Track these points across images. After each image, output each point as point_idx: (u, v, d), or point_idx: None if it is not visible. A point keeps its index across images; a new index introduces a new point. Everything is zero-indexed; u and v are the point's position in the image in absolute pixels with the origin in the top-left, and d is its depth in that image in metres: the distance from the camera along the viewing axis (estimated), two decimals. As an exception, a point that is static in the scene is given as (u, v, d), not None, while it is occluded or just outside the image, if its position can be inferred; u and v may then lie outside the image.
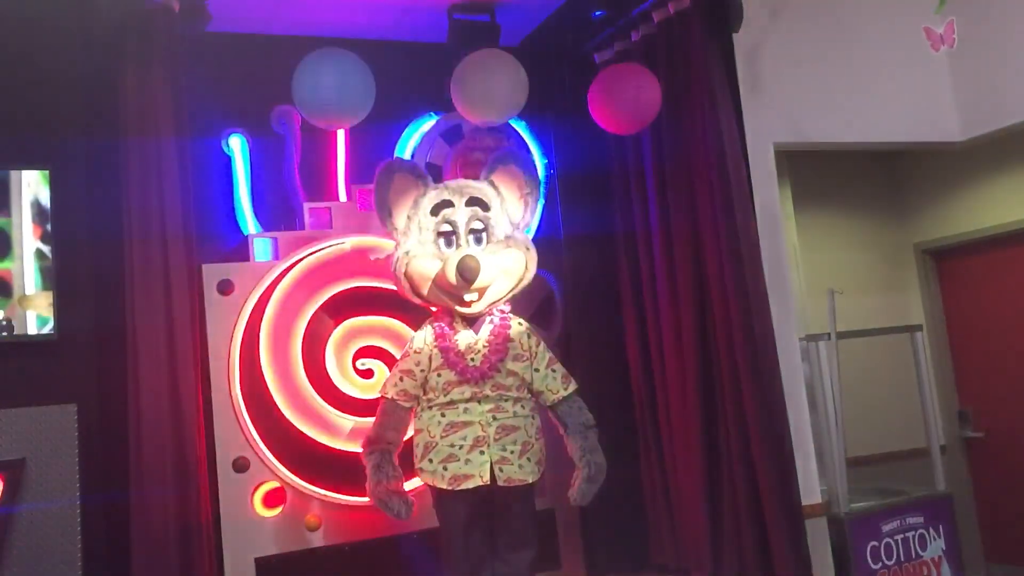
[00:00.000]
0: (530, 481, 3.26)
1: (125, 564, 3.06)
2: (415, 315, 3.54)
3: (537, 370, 3.35)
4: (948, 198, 5.76)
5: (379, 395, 3.40)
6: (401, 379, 3.34)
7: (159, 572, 3.01)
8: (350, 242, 3.82)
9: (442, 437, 3.22)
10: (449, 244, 3.30)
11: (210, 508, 3.30)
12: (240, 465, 3.52)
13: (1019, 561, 5.23)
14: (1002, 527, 5.36)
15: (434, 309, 3.39)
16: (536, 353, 3.37)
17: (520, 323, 3.40)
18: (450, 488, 3.19)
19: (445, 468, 3.20)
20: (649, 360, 3.98)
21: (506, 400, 3.24)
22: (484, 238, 3.32)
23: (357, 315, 3.79)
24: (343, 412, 3.70)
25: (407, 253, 3.30)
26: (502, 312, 3.37)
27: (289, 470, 3.59)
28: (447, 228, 3.31)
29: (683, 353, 3.72)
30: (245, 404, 3.56)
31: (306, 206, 3.88)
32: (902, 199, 5.99)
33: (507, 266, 3.30)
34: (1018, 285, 5.36)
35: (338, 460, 3.65)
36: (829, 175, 5.70)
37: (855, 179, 5.90)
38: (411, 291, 3.31)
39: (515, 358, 3.29)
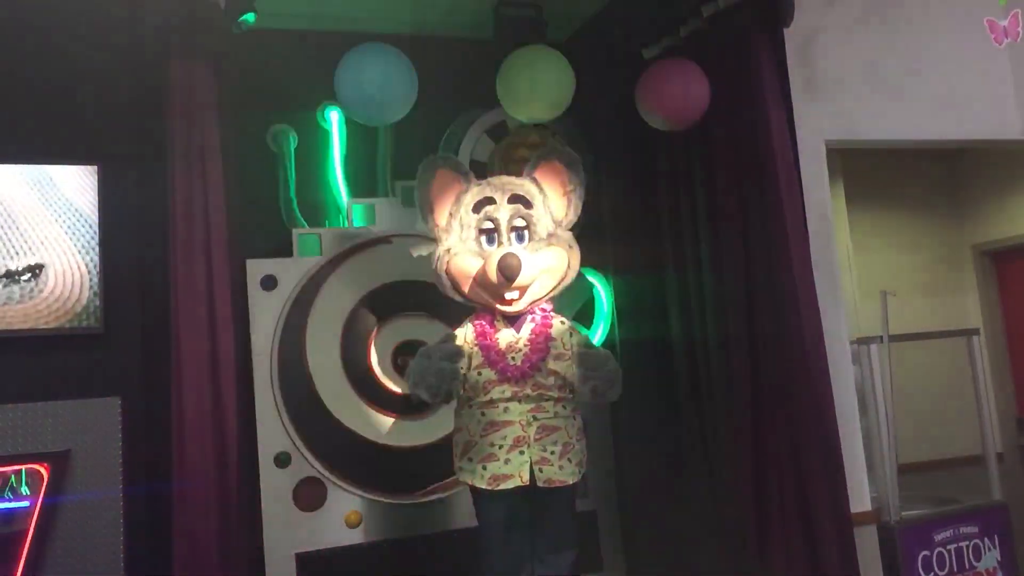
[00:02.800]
0: (570, 482, 3.20)
1: (167, 556, 3.07)
2: (457, 312, 3.51)
3: (574, 366, 3.26)
4: (1008, 198, 5.60)
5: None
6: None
7: (201, 564, 3.02)
8: (393, 238, 3.81)
9: (481, 436, 3.18)
10: (491, 242, 3.25)
11: (250, 503, 3.30)
12: (282, 460, 3.54)
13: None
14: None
15: (477, 306, 3.36)
16: (576, 353, 3.26)
17: (562, 322, 3.33)
18: (489, 488, 3.16)
19: (484, 468, 3.16)
20: (695, 362, 3.91)
21: (547, 400, 3.19)
22: (526, 236, 3.26)
23: (399, 311, 3.79)
24: (384, 409, 3.70)
25: (448, 250, 3.27)
26: (544, 311, 3.31)
27: (330, 466, 3.60)
28: (489, 225, 3.26)
29: (731, 355, 3.63)
30: (286, 400, 3.58)
31: (349, 202, 3.88)
32: (960, 198, 5.84)
33: (549, 264, 3.25)
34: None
35: (380, 457, 3.66)
36: (884, 173, 5.56)
37: (911, 177, 5.76)
38: (452, 289, 3.28)
39: (557, 357, 3.22)
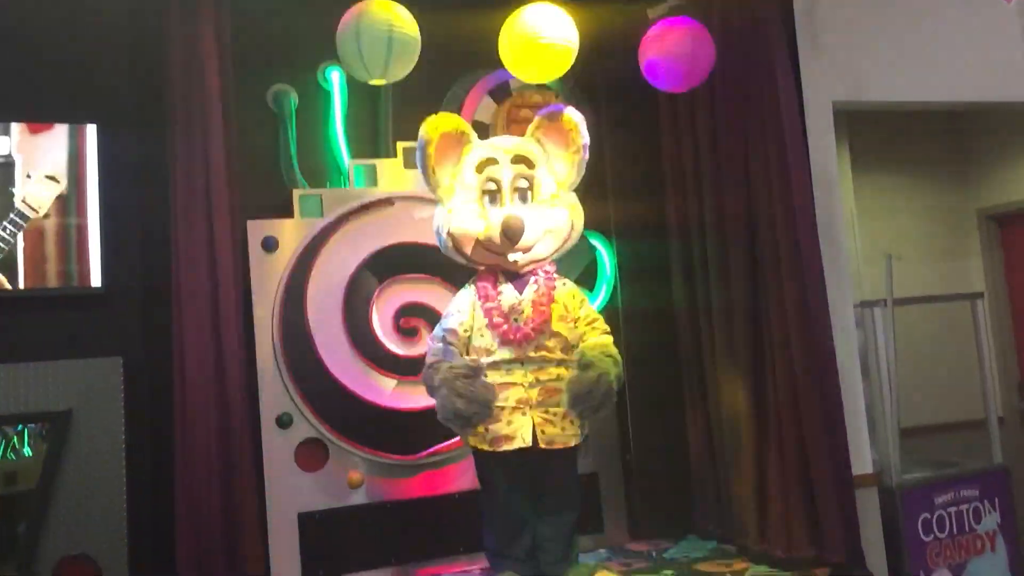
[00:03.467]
0: (572, 444, 3.21)
1: (169, 516, 3.09)
2: (460, 275, 3.49)
3: (577, 328, 3.27)
4: (1014, 162, 5.55)
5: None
6: (444, 337, 3.32)
7: (203, 525, 3.03)
8: (396, 200, 3.79)
9: None
10: (493, 202, 3.23)
11: (253, 465, 3.30)
12: (283, 421, 3.54)
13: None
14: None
15: (480, 268, 3.34)
16: (580, 317, 3.28)
17: (565, 283, 3.33)
18: (491, 449, 3.16)
19: (487, 430, 3.16)
20: (697, 323, 3.90)
21: (549, 362, 3.19)
22: (529, 196, 3.25)
23: (402, 273, 3.77)
24: (386, 371, 3.69)
25: (451, 211, 3.24)
26: (547, 272, 3.30)
27: (332, 427, 3.60)
28: (491, 186, 3.24)
29: (733, 317, 3.63)
30: (288, 361, 3.57)
31: (351, 162, 3.85)
32: (966, 162, 5.79)
33: (552, 225, 3.23)
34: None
35: (381, 418, 3.65)
36: (889, 136, 5.52)
37: (917, 141, 5.71)
38: (454, 250, 3.26)
39: (560, 319, 3.22)
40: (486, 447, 3.17)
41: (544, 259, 3.27)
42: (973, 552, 3.75)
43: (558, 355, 3.20)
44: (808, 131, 3.51)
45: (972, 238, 5.76)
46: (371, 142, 3.97)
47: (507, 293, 3.23)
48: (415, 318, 3.78)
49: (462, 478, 3.71)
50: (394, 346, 3.73)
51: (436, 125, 3.27)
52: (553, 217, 3.23)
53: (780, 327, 3.42)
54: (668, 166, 4.02)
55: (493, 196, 3.23)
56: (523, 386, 3.14)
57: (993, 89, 4.08)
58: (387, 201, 3.80)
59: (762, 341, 3.53)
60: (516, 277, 3.26)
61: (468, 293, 3.29)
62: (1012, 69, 4.13)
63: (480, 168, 3.24)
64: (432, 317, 3.70)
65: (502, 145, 3.31)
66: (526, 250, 3.18)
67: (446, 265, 3.49)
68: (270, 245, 3.59)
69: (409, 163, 3.82)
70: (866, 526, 3.40)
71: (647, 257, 4.11)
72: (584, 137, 3.28)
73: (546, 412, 3.14)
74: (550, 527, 3.22)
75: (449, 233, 3.22)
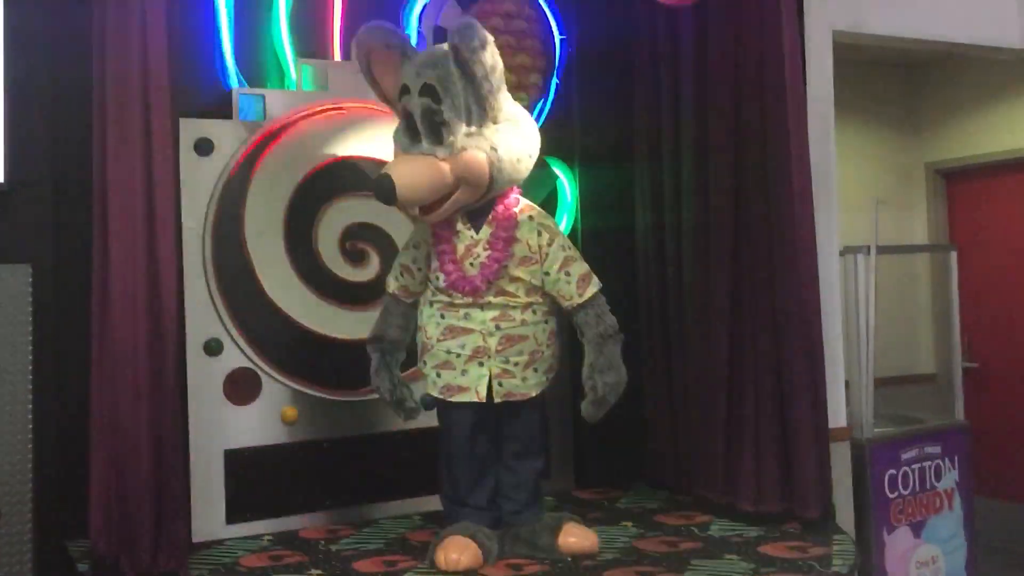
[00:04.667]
0: (533, 395, 2.90)
1: (82, 445, 2.68)
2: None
3: (548, 274, 2.86)
4: (965, 118, 5.53)
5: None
6: (401, 274, 2.98)
7: (120, 458, 2.63)
8: (347, 106, 3.39)
9: (439, 341, 2.84)
10: (413, 139, 2.78)
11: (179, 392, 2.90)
12: (212, 348, 3.15)
13: (1004, 496, 5.14)
14: (988, 461, 5.24)
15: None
16: (547, 254, 2.87)
17: (531, 216, 2.90)
18: (442, 397, 2.86)
19: (439, 375, 2.85)
20: (663, 261, 3.67)
21: (513, 308, 2.83)
22: (444, 133, 2.74)
23: (352, 189, 3.39)
24: (329, 296, 3.33)
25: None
26: (506, 205, 2.86)
27: (267, 357, 3.24)
28: (410, 121, 2.79)
29: (710, 258, 3.39)
30: (220, 280, 3.18)
31: (297, 62, 3.43)
32: (917, 115, 5.75)
33: (450, 176, 2.71)
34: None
35: (324, 350, 3.31)
36: (842, 86, 5.38)
37: (870, 92, 5.62)
38: None
39: (521, 262, 2.84)
40: (436, 394, 2.89)
41: (465, 207, 2.81)
42: (932, 511, 3.68)
43: (522, 299, 2.85)
44: (807, 58, 3.26)
45: (918, 191, 5.73)
46: (322, 41, 3.55)
47: (463, 231, 2.86)
48: (363, 241, 3.42)
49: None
50: (339, 270, 3.37)
51: (360, 41, 2.84)
52: (462, 164, 2.70)
53: (763, 271, 3.20)
54: (642, 90, 3.73)
55: (412, 132, 2.80)
56: (482, 334, 2.82)
57: (985, 33, 3.97)
58: (337, 107, 3.39)
59: (741, 284, 3.30)
60: (472, 212, 2.85)
61: (424, 227, 2.93)
62: (1004, 15, 4.02)
63: (400, 95, 2.82)
64: (382, 240, 3.39)
65: (417, 67, 2.78)
66: (429, 208, 2.76)
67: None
68: (205, 148, 3.17)
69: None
70: (837, 481, 3.25)
71: (612, 186, 3.85)
72: (482, 67, 2.67)
73: (506, 362, 2.83)
74: (513, 474, 2.94)
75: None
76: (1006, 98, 5.20)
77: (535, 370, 2.88)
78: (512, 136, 2.80)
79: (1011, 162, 5.19)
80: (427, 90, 2.72)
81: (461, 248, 2.83)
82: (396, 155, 2.87)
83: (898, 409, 4.12)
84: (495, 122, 2.77)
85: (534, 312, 2.87)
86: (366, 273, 3.39)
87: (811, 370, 3.13)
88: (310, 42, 3.53)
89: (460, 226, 2.85)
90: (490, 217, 2.85)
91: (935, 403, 4.66)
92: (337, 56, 3.54)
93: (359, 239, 3.41)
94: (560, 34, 3.82)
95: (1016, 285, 5.27)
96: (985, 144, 5.34)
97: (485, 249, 2.82)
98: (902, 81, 5.74)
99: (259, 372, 3.24)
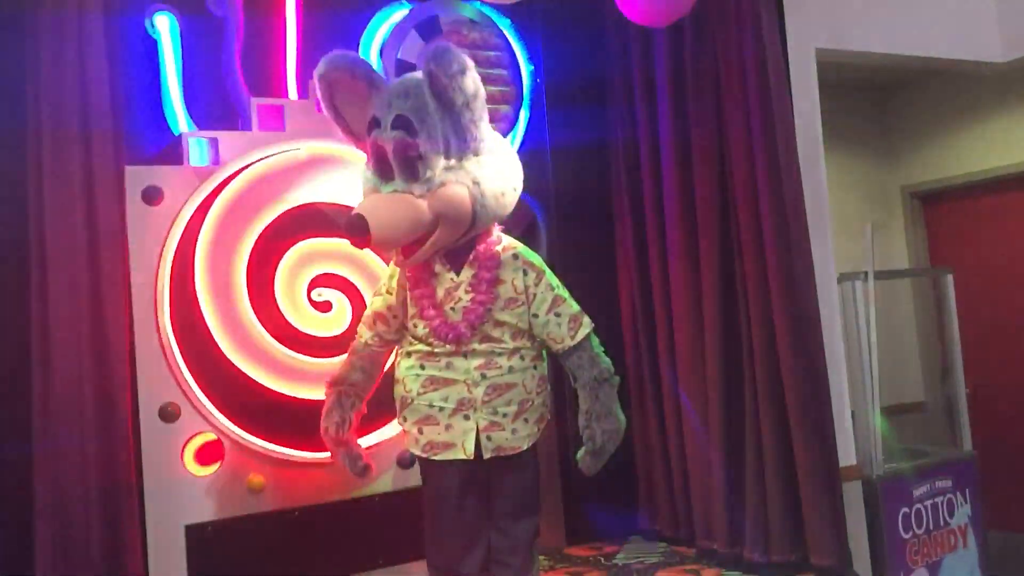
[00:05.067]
0: (524, 448, 2.64)
1: (26, 536, 2.39)
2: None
3: (536, 316, 2.63)
4: (938, 141, 5.46)
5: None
6: (375, 322, 2.73)
7: (71, 548, 2.36)
8: (306, 148, 3.16)
9: (419, 394, 2.59)
10: (384, 177, 2.54)
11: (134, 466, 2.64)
12: (168, 413, 2.88)
13: (1005, 527, 4.96)
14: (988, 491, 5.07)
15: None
16: (535, 295, 2.63)
17: (515, 255, 2.66)
18: (425, 456, 2.61)
19: (420, 431, 2.60)
20: (651, 295, 3.48)
21: (499, 354, 2.59)
22: (420, 169, 2.50)
23: (314, 236, 3.15)
24: (294, 351, 3.08)
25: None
26: (487, 244, 2.62)
27: (228, 419, 2.97)
28: (380, 155, 2.54)
29: (701, 292, 3.21)
30: (176, 339, 2.91)
31: (253, 102, 3.20)
32: (891, 138, 5.68)
33: (429, 216, 2.48)
34: (1006, 233, 5.10)
35: (287, 408, 3.03)
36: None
37: (844, 115, 5.50)
38: None
39: (507, 304, 2.60)
40: (419, 452, 2.63)
41: (447, 246, 2.58)
42: (947, 548, 3.47)
43: (509, 344, 2.61)
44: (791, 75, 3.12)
45: (896, 215, 5.64)
46: (276, 79, 3.34)
47: (443, 273, 2.62)
48: (329, 290, 3.17)
49: (384, 478, 3.15)
50: (303, 323, 3.11)
51: (323, 72, 2.58)
52: (442, 202, 2.47)
53: (759, 301, 3.01)
54: (617, 117, 3.59)
55: (384, 169, 2.55)
56: (467, 384, 2.57)
57: (965, 48, 3.91)
58: (296, 150, 3.17)
59: (737, 317, 3.11)
60: (452, 252, 2.61)
61: (399, 271, 2.69)
62: (984, 29, 3.97)
63: (369, 130, 2.58)
64: (350, 289, 3.15)
65: (388, 97, 2.55)
66: (408, 250, 2.53)
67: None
68: (153, 197, 2.92)
69: (320, 106, 3.19)
70: (850, 524, 3.04)
71: (590, 220, 3.70)
72: (463, 94, 2.44)
73: (494, 414, 2.58)
74: (507, 537, 2.67)
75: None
76: (979, 118, 5.15)
77: (525, 420, 2.64)
78: (495, 169, 2.58)
79: (988, 182, 5.13)
80: (400, 122, 2.48)
81: (441, 292, 2.60)
82: (366, 195, 2.63)
83: (895, 441, 3.94)
84: (476, 154, 2.53)
85: (522, 358, 2.64)
86: (333, 326, 3.15)
87: (818, 409, 2.94)
88: (263, 81, 3.31)
89: (438, 267, 2.62)
90: (471, 257, 2.61)
91: (929, 433, 4.48)
92: (293, 95, 3.32)
93: (325, 288, 3.17)
94: (529, 64, 3.66)
95: (998, 306, 5.17)
96: (960, 165, 5.29)
97: (467, 292, 2.59)
98: (875, 104, 5.68)
99: (220, 436, 2.97)
